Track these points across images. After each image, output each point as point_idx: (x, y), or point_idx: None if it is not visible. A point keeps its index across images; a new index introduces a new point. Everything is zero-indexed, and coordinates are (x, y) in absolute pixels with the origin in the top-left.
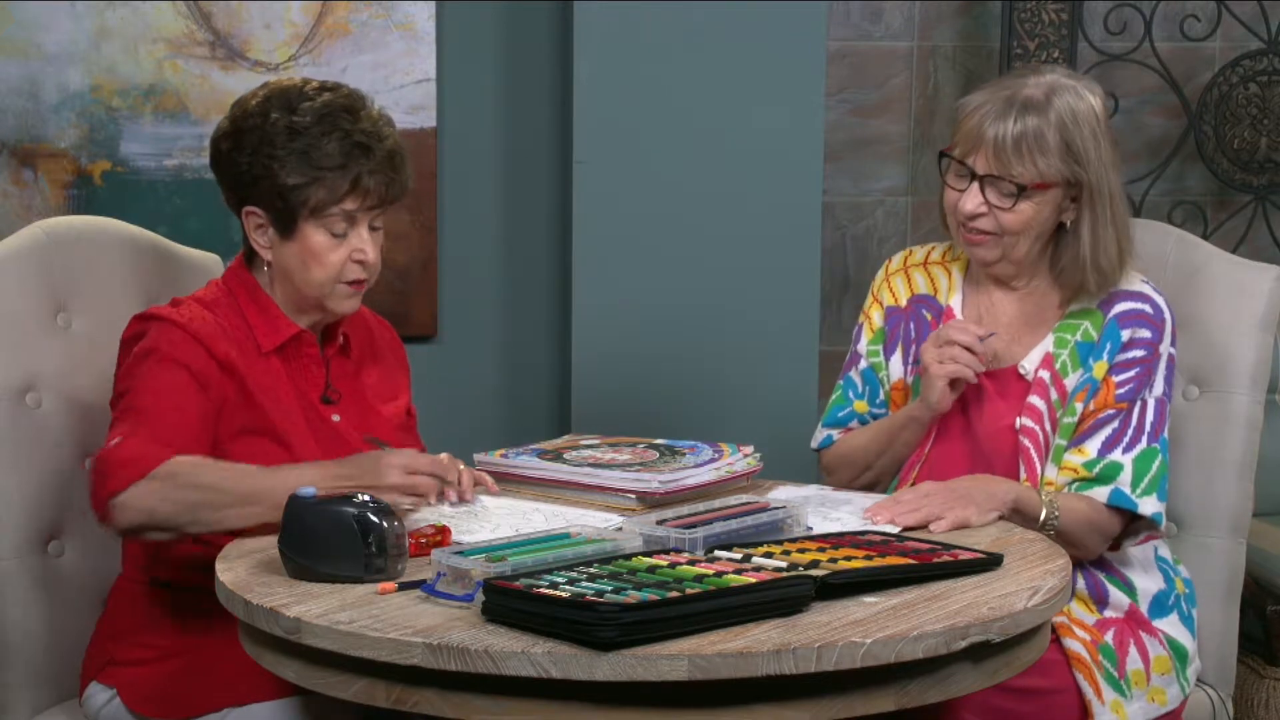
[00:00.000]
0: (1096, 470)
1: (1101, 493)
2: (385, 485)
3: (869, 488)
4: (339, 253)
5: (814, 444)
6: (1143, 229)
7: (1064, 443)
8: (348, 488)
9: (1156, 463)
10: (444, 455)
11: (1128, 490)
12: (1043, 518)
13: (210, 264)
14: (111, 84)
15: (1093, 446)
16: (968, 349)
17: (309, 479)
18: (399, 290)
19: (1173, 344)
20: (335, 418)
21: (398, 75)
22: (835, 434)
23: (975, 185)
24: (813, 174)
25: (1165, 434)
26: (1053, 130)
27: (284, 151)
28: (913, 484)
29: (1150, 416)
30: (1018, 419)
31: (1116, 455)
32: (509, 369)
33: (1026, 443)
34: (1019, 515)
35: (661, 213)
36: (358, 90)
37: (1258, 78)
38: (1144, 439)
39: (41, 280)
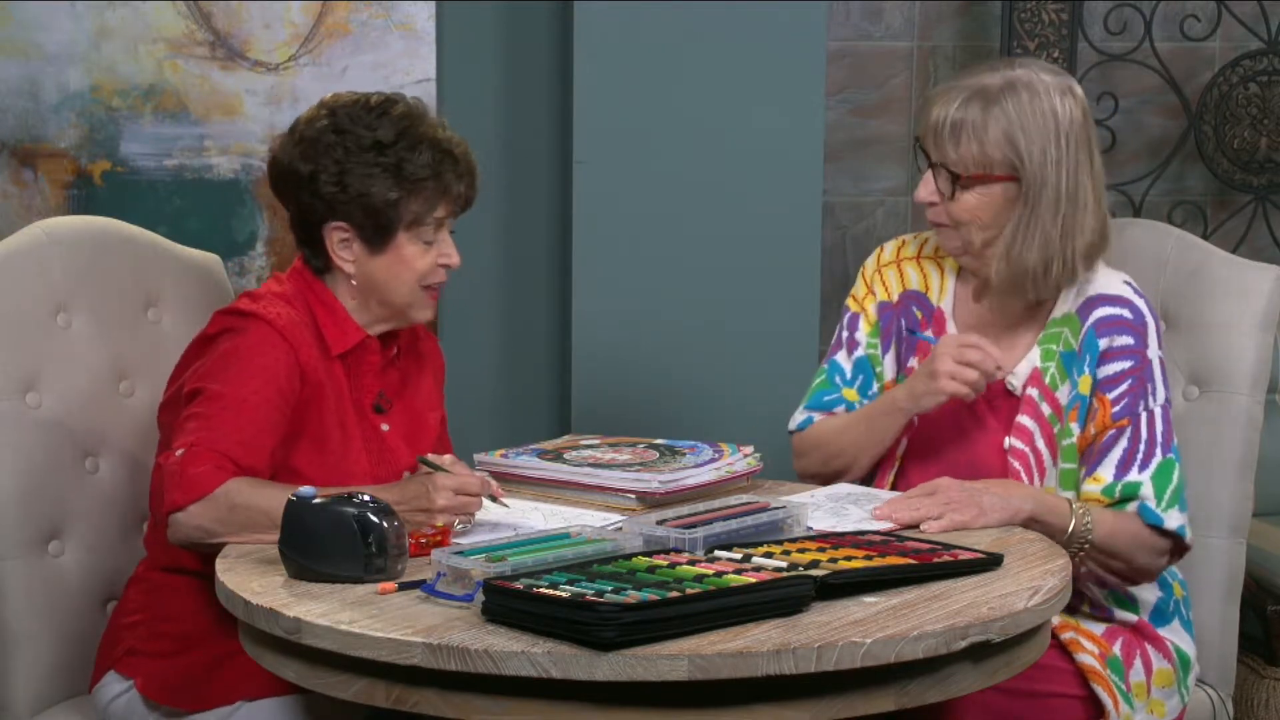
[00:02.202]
0: (1117, 493)
1: (1130, 509)
2: (437, 508)
3: (836, 476)
4: (427, 259)
5: (791, 425)
6: (1143, 229)
7: (1069, 466)
8: (401, 512)
9: (1175, 474)
10: (448, 456)
11: (1153, 505)
12: (1072, 528)
13: (210, 264)
14: (111, 84)
15: (1107, 471)
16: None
17: None
18: None
19: (1160, 346)
20: (384, 427)
21: (398, 75)
22: (816, 416)
23: (930, 173)
24: (813, 174)
25: (1175, 441)
26: (994, 123)
27: (376, 168)
28: (892, 486)
29: (1159, 426)
30: (1007, 439)
31: (1133, 475)
32: (509, 369)
33: (1016, 465)
34: (1041, 526)
35: (661, 213)
36: (414, 98)
37: (1258, 78)
38: (1157, 451)
39: (41, 280)
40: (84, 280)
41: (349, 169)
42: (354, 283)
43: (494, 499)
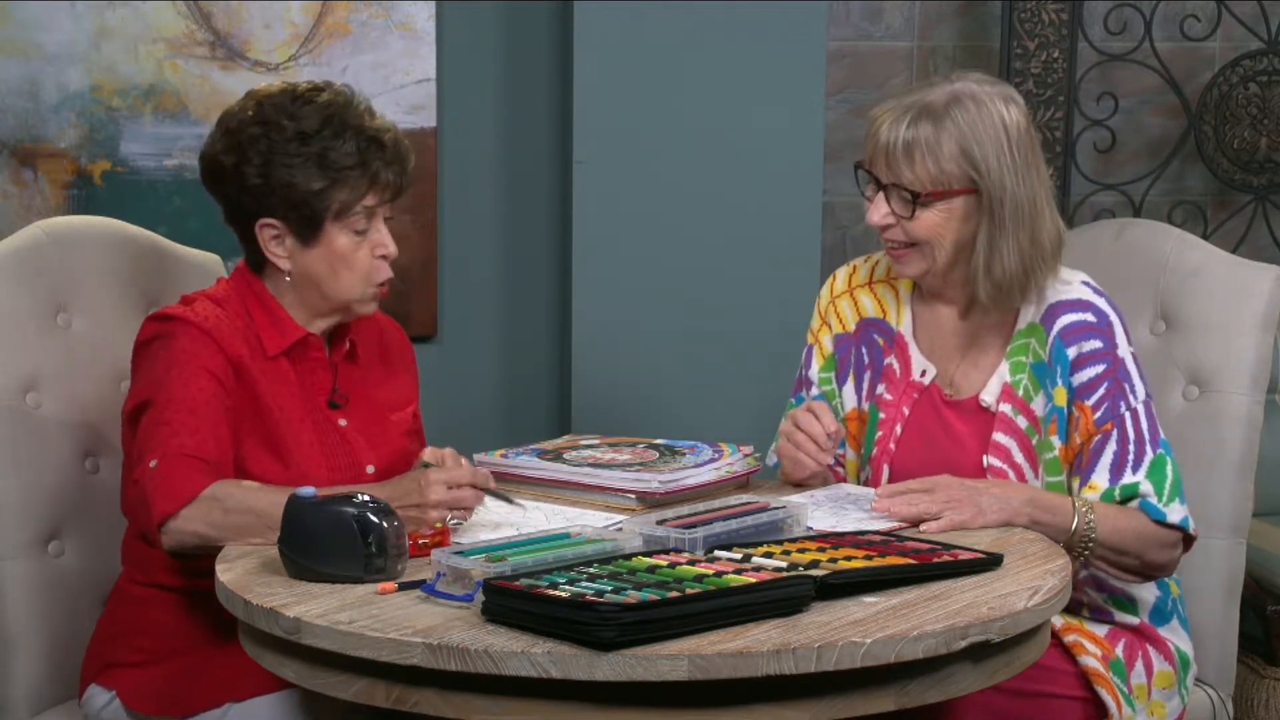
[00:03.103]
0: (1116, 497)
1: (1132, 506)
2: (430, 503)
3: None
4: (363, 251)
5: (769, 461)
6: (1143, 229)
7: (1054, 479)
8: (395, 509)
9: (1169, 468)
10: (448, 450)
11: (1154, 500)
12: (1074, 527)
13: (210, 264)
14: (111, 84)
15: (1101, 478)
16: (814, 440)
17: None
18: (399, 290)
19: (1129, 343)
20: (342, 422)
21: (398, 75)
22: None
23: (881, 195)
24: (813, 174)
25: (1162, 434)
26: (948, 137)
27: (299, 159)
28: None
29: (1144, 424)
30: (985, 458)
31: (1128, 478)
32: (509, 369)
33: None
34: (1041, 527)
35: (661, 213)
36: (344, 85)
37: (1258, 78)
38: (1147, 449)
39: (41, 280)
40: (84, 280)
41: (273, 160)
42: (288, 279)
43: (507, 499)
